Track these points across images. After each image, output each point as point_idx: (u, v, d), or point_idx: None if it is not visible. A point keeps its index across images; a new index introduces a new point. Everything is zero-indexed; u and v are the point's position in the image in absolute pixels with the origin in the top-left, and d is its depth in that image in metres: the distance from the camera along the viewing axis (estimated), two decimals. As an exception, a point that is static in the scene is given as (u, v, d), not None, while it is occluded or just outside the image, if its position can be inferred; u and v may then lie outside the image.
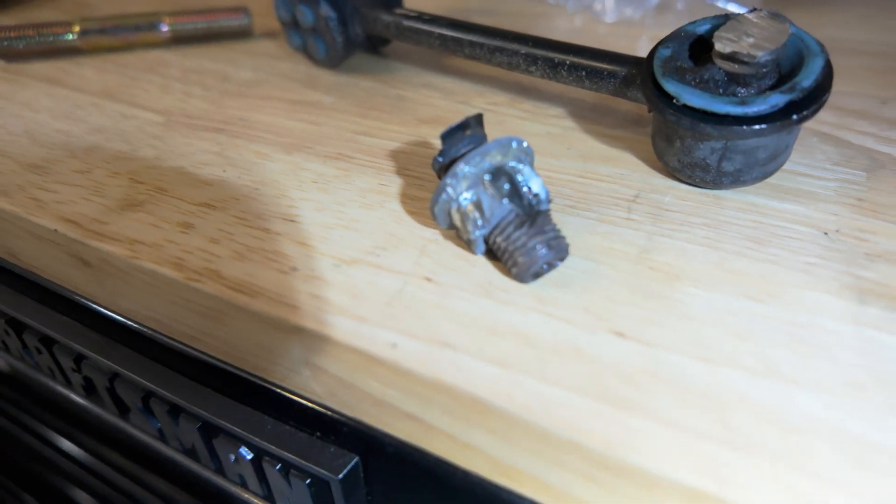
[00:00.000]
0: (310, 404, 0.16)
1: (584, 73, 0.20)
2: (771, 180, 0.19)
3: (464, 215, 0.15)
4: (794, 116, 0.16)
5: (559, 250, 0.14)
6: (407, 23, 0.24)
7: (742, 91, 0.17)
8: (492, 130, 0.23)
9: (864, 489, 0.11)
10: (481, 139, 0.16)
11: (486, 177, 0.15)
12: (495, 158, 0.15)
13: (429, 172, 0.20)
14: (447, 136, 0.16)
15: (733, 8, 0.31)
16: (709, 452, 0.11)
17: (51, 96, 0.26)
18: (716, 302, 0.15)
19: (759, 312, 0.14)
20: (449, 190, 0.15)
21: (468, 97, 0.25)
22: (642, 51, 0.21)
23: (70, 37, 0.30)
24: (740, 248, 0.16)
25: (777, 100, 0.16)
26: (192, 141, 0.22)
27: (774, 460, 0.11)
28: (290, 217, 0.18)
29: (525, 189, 0.15)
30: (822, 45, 0.17)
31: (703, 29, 0.18)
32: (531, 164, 0.16)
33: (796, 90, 0.16)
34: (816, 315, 0.14)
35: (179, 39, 0.31)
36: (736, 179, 0.18)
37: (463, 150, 0.16)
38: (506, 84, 0.26)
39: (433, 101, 0.25)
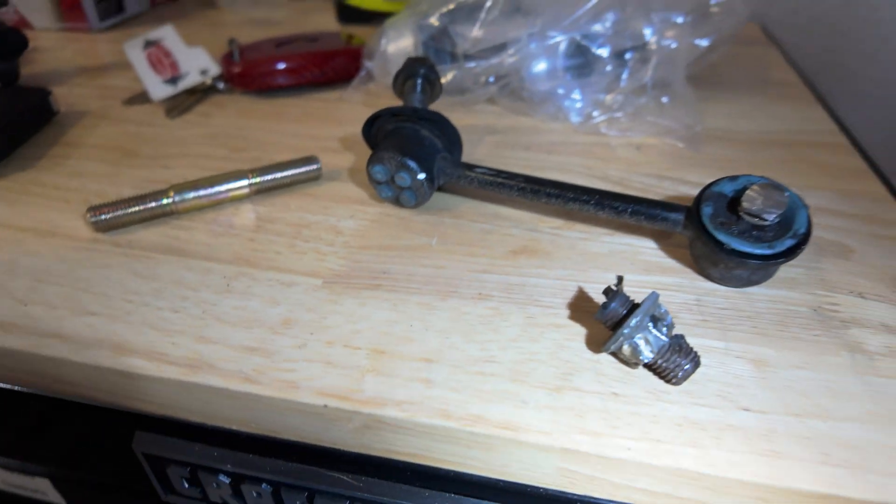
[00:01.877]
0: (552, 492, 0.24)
1: (643, 217, 0.29)
2: (771, 275, 0.29)
3: (633, 349, 0.23)
4: (798, 250, 0.26)
5: (698, 364, 0.23)
6: (490, 178, 0.32)
7: (761, 234, 0.27)
8: (569, 254, 0.31)
9: None
10: (624, 294, 0.24)
11: (650, 324, 0.23)
12: (650, 311, 0.23)
13: (551, 300, 0.28)
14: (609, 298, 0.24)
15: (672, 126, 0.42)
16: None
17: (191, 270, 0.30)
18: (782, 373, 0.24)
19: (806, 376, 0.24)
20: (626, 333, 0.23)
21: (534, 223, 0.33)
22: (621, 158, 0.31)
23: (165, 201, 0.33)
24: (774, 331, 0.26)
25: (789, 243, 0.26)
26: (363, 300, 0.28)
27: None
28: (490, 359, 0.25)
29: (667, 322, 0.24)
30: (803, 200, 0.27)
31: (728, 190, 0.28)
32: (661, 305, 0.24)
33: (798, 235, 0.26)
34: (830, 373, 0.24)
35: (260, 191, 0.36)
36: (757, 283, 0.28)
37: (620, 304, 0.24)
38: (555, 208, 0.35)
39: (510, 230, 0.33)
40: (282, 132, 0.44)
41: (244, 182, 0.35)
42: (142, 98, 0.48)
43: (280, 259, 0.31)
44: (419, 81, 0.37)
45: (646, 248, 0.32)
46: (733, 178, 0.28)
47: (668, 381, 0.24)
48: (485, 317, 0.27)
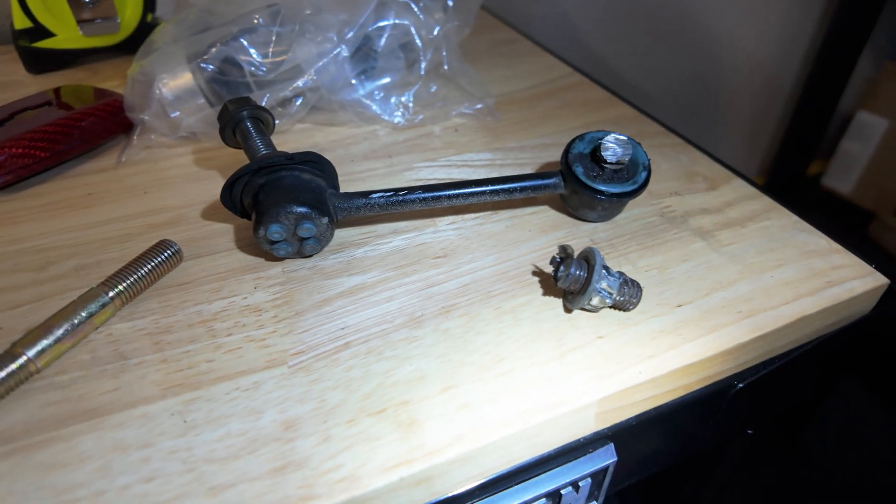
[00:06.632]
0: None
1: (530, 190, 0.34)
2: (621, 201, 0.37)
3: (601, 297, 0.28)
4: (649, 178, 0.33)
5: (641, 288, 0.29)
6: (392, 199, 0.32)
7: (621, 175, 0.33)
8: (481, 242, 0.34)
9: (776, 304, 0.30)
10: (574, 258, 0.29)
11: (604, 272, 0.28)
12: (601, 261, 0.28)
13: (501, 286, 0.31)
14: (565, 266, 0.28)
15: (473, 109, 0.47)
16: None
17: (124, 426, 0.24)
18: (677, 269, 0.32)
19: (691, 266, 0.32)
20: (595, 288, 0.28)
21: (432, 225, 0.35)
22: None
23: (18, 364, 0.26)
24: (651, 242, 0.34)
25: (644, 174, 0.33)
26: (347, 364, 0.27)
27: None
28: (498, 358, 0.27)
29: (606, 264, 0.29)
30: (638, 143, 0.35)
31: (583, 149, 0.34)
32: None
33: (647, 167, 0.33)
34: (701, 257, 0.33)
35: (125, 303, 0.30)
36: (620, 212, 0.35)
37: (577, 268, 0.28)
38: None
39: (418, 238, 0.34)
40: (79, 226, 0.36)
41: (104, 300, 0.29)
42: None
43: (217, 366, 0.27)
44: (248, 125, 0.34)
45: (528, 214, 0.36)
46: (581, 138, 0.34)
47: (626, 311, 0.29)
48: (464, 325, 0.29)
